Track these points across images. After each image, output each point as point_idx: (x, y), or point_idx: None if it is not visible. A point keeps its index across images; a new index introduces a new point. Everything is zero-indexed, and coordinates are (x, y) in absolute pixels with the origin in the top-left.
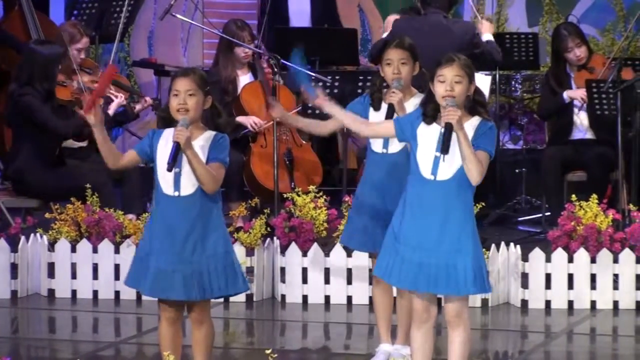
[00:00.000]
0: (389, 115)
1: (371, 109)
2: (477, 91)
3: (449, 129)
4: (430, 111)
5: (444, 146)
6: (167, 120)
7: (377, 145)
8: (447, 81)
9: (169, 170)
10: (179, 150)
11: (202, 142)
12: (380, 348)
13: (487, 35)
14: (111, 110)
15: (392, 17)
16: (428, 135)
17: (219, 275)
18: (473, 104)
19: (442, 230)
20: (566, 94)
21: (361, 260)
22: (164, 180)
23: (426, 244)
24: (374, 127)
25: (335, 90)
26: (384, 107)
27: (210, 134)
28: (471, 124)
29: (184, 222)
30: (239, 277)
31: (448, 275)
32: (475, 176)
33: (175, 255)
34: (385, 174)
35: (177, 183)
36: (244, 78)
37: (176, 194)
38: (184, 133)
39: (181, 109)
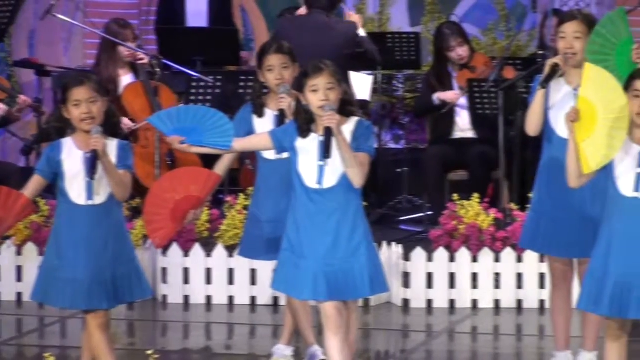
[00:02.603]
0: (280, 122)
1: (255, 117)
2: (346, 91)
3: (329, 134)
4: (303, 123)
5: (325, 152)
6: (62, 131)
7: (268, 153)
8: (321, 90)
9: (92, 179)
10: (97, 158)
11: (110, 149)
12: (310, 351)
13: (361, 31)
14: None
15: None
16: (307, 145)
17: (132, 280)
18: (344, 105)
19: (336, 237)
20: (436, 96)
21: (242, 260)
22: (73, 189)
23: (321, 253)
24: (251, 140)
25: (217, 91)
26: (268, 112)
27: (113, 141)
28: (348, 129)
29: (99, 230)
30: (144, 282)
31: (346, 281)
32: (358, 180)
33: (93, 264)
34: (279, 180)
35: (89, 192)
36: (126, 78)
37: (89, 202)
38: (101, 140)
39: (86, 118)
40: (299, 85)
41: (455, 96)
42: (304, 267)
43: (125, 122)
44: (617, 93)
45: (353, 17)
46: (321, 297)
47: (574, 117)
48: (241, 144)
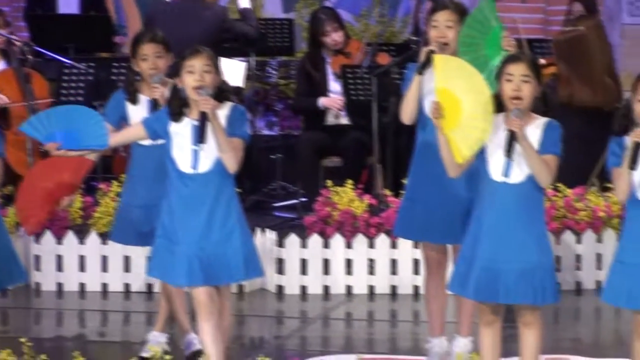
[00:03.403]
0: (153, 109)
1: (128, 104)
2: (222, 80)
3: (204, 118)
4: (176, 108)
5: (200, 137)
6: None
7: None
8: (197, 71)
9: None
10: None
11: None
12: (187, 340)
13: (243, 2)
14: None
15: None
16: (181, 130)
17: (10, 266)
18: (221, 92)
19: (209, 222)
20: (321, 102)
21: (116, 247)
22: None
23: (195, 238)
24: (125, 133)
25: (90, 78)
26: (142, 99)
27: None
28: (222, 114)
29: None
30: (20, 267)
31: (220, 265)
32: (232, 165)
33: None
34: (153, 166)
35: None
36: None
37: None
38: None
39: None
40: (175, 69)
41: (340, 103)
42: (179, 252)
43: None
44: (475, 77)
45: None
46: (197, 283)
47: (437, 113)
48: (117, 139)
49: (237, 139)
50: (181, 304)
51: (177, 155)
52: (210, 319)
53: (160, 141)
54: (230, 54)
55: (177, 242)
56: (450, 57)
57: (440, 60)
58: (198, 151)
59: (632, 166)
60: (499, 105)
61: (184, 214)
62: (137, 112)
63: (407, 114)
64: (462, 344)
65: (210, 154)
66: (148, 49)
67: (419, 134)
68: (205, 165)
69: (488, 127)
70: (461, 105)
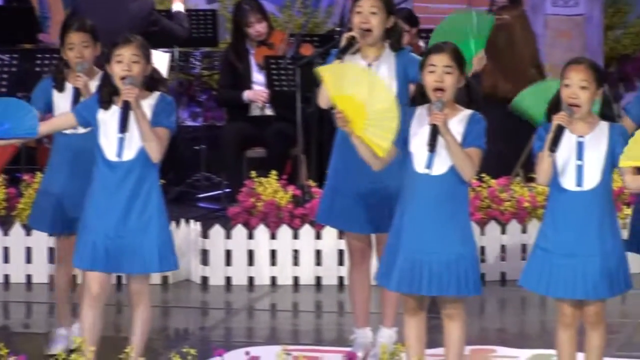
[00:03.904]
0: (76, 98)
1: (55, 91)
2: (154, 69)
3: (127, 107)
4: (106, 95)
5: (122, 125)
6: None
7: None
8: (125, 61)
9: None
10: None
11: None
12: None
13: (177, 5)
14: None
15: None
16: (109, 117)
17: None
18: (151, 81)
19: (127, 210)
20: (246, 95)
21: (40, 239)
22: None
23: (110, 225)
24: (55, 122)
25: (14, 69)
26: (69, 87)
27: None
28: (149, 103)
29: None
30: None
31: (134, 255)
32: (155, 154)
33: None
34: (73, 154)
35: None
36: None
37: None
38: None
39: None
40: (107, 56)
41: (264, 96)
42: (87, 237)
43: None
44: (364, 72)
45: None
46: (97, 268)
47: (342, 122)
48: (47, 127)
49: (162, 128)
50: (67, 296)
51: (104, 142)
52: (94, 307)
53: (81, 130)
54: (153, 45)
55: (90, 227)
56: (332, 66)
57: (325, 71)
58: (123, 139)
59: (553, 148)
60: (422, 96)
61: (104, 201)
62: (62, 99)
63: (324, 100)
64: (387, 334)
65: (135, 143)
66: (75, 38)
67: None
68: (129, 153)
69: (395, 113)
70: (362, 103)
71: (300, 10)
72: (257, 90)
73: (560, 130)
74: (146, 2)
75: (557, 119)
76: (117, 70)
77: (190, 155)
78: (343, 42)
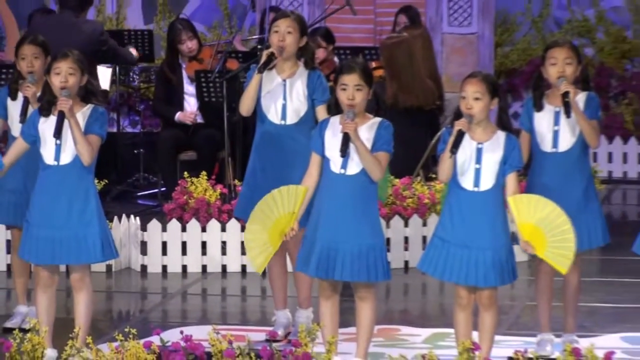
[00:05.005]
0: (25, 106)
1: (9, 99)
2: (89, 81)
3: (61, 116)
4: (45, 104)
5: (56, 132)
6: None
7: (15, 129)
8: (62, 73)
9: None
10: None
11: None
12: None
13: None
14: None
15: None
16: (48, 125)
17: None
18: (86, 93)
19: (69, 209)
20: (177, 117)
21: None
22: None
23: (54, 223)
24: (13, 152)
25: None
26: (20, 96)
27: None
28: (84, 113)
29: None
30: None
31: (79, 246)
32: (86, 159)
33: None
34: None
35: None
36: None
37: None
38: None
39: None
40: (48, 68)
41: (192, 118)
42: (32, 233)
43: None
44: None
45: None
46: (43, 262)
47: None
48: (9, 159)
49: (93, 135)
50: (26, 280)
51: (43, 148)
52: (46, 292)
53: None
54: (98, 61)
55: (35, 224)
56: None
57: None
58: (60, 145)
59: (453, 150)
60: (337, 106)
61: (46, 201)
62: (15, 106)
63: (245, 107)
64: (304, 315)
65: (70, 148)
66: (27, 50)
67: (258, 128)
68: (66, 158)
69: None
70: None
71: (226, 29)
72: (187, 112)
73: (460, 134)
74: (97, 25)
75: (458, 125)
76: (55, 81)
77: (130, 158)
78: (263, 58)
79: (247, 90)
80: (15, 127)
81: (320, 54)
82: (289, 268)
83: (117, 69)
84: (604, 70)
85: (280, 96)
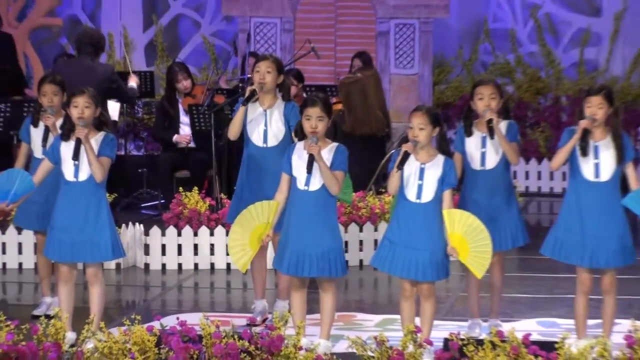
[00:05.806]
0: (46, 133)
1: (32, 127)
2: (102, 112)
3: (79, 142)
4: (66, 131)
5: (74, 155)
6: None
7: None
8: (79, 106)
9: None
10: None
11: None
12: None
13: (132, 81)
14: None
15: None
16: (68, 148)
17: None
18: (99, 122)
19: (85, 217)
20: (175, 138)
21: (29, 235)
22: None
23: (73, 228)
24: (40, 172)
25: (8, 114)
26: (41, 125)
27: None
28: (95, 139)
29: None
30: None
31: (93, 248)
32: (98, 177)
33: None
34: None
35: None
36: None
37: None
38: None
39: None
40: (67, 102)
41: (187, 139)
42: (55, 236)
43: None
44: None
45: (132, 77)
46: (64, 260)
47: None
48: (38, 178)
49: (104, 157)
50: (50, 276)
51: (64, 167)
52: (66, 285)
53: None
54: (108, 97)
55: (57, 229)
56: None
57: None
58: (78, 165)
59: (400, 167)
60: (302, 132)
61: (67, 210)
62: (37, 133)
63: (232, 132)
64: (281, 305)
65: (86, 168)
66: (47, 88)
67: (245, 150)
68: (83, 176)
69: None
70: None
71: (213, 71)
72: (183, 135)
73: (406, 155)
74: (108, 67)
75: (405, 147)
76: (74, 113)
77: (135, 176)
78: (247, 93)
79: (234, 119)
80: (37, 150)
81: (292, 90)
82: (269, 265)
83: (124, 103)
84: (522, 104)
85: (262, 123)
